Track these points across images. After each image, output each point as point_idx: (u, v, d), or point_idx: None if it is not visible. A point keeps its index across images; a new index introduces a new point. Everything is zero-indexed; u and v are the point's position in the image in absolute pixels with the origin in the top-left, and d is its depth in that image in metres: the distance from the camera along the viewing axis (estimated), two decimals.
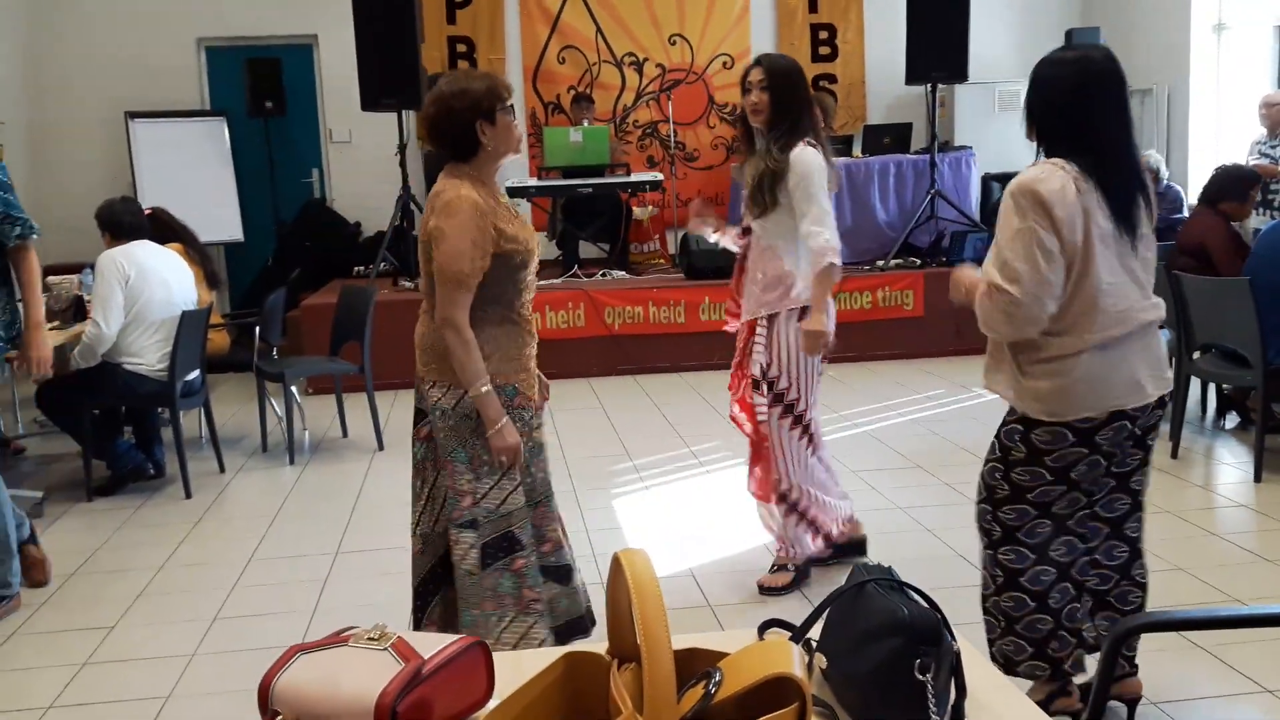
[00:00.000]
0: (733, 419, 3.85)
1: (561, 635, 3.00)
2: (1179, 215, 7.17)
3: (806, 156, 3.46)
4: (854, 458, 5.25)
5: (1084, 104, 2.47)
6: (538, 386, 2.98)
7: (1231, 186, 5.44)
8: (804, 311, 3.54)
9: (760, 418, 3.63)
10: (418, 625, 3.01)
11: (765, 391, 3.60)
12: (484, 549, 2.84)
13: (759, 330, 3.61)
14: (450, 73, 2.90)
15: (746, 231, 3.66)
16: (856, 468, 5.10)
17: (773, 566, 3.82)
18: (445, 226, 2.72)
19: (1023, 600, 2.60)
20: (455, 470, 2.85)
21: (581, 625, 3.06)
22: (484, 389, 2.76)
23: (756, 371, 3.61)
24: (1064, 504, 2.56)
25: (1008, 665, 2.61)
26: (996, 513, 2.61)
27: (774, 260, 3.57)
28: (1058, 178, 2.40)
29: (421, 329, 2.92)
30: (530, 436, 2.91)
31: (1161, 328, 2.59)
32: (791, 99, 3.53)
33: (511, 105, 2.86)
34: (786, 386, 3.58)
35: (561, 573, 3.00)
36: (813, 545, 3.75)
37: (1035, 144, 2.56)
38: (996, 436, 2.63)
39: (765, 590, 3.74)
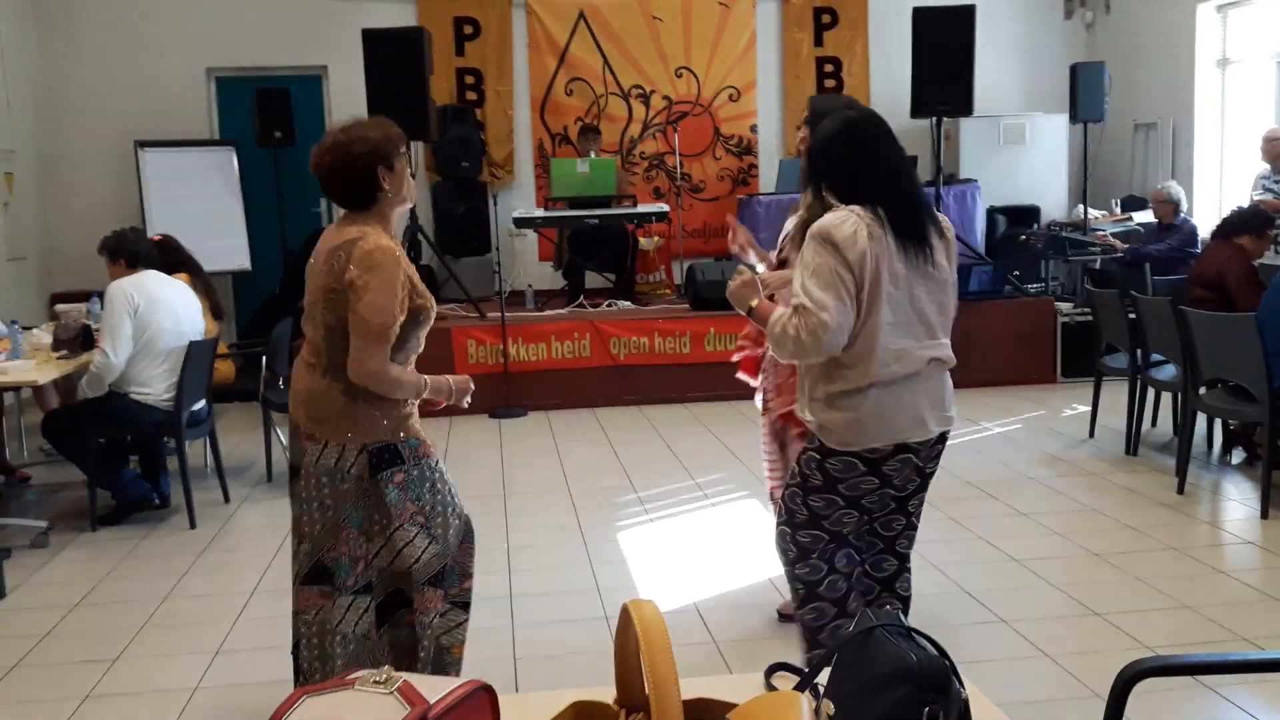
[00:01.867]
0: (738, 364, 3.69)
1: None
2: (1193, 249, 7.20)
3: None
4: None
5: (852, 162, 2.68)
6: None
7: (1249, 222, 5.56)
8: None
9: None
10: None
11: (800, 432, 3.48)
12: (379, 610, 2.81)
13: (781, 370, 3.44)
14: (346, 121, 2.85)
15: (783, 263, 3.57)
16: None
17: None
18: (371, 279, 2.62)
19: (823, 610, 2.80)
20: (350, 536, 2.78)
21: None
22: (428, 383, 2.79)
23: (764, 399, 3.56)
24: (851, 524, 2.75)
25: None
26: (795, 535, 2.79)
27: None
28: (850, 224, 2.57)
29: (307, 383, 2.78)
30: (443, 481, 2.84)
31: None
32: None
33: (407, 153, 2.80)
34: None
35: (466, 607, 2.98)
36: None
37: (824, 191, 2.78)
38: (797, 462, 2.80)
39: (784, 617, 3.69)
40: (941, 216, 2.79)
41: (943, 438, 2.77)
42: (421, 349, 2.86)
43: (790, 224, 3.58)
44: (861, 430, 2.64)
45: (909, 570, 2.91)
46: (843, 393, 2.64)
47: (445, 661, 2.90)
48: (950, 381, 2.80)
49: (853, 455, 2.66)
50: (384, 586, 2.83)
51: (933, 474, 2.82)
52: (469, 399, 2.92)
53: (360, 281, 2.63)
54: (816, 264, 2.58)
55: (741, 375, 3.69)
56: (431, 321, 2.84)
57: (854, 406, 2.64)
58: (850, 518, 2.75)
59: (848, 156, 2.70)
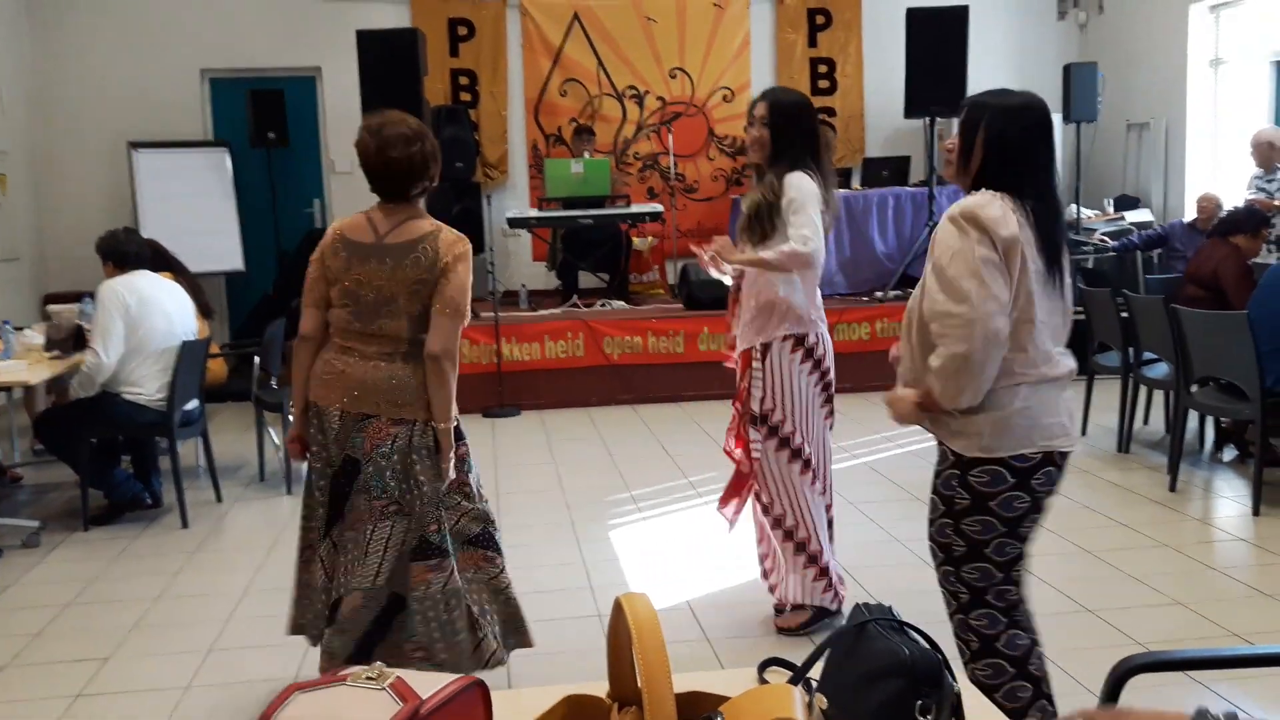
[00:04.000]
0: (726, 453, 3.74)
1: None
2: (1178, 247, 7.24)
3: (798, 179, 3.42)
4: (852, 489, 5.25)
5: (1034, 149, 2.45)
6: None
7: (1246, 221, 5.59)
8: (798, 341, 3.49)
9: (755, 453, 3.56)
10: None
11: (760, 427, 3.53)
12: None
13: (754, 363, 3.54)
14: (384, 114, 2.95)
15: None
16: (855, 499, 5.09)
17: (781, 607, 3.72)
18: (460, 265, 2.90)
19: (1001, 669, 2.50)
20: (410, 504, 2.95)
21: None
22: (455, 421, 2.97)
23: (755, 407, 3.55)
24: (1019, 568, 2.50)
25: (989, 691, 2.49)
26: (959, 573, 2.48)
27: (767, 287, 3.49)
28: (998, 205, 2.35)
29: (386, 372, 2.89)
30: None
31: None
32: (794, 135, 3.49)
33: None
34: (782, 419, 3.52)
35: None
36: (821, 596, 3.64)
37: (956, 182, 2.55)
38: (934, 491, 2.51)
39: (783, 632, 3.66)
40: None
41: (1068, 456, 2.49)
42: None
43: (744, 205, 3.61)
44: (1008, 432, 2.35)
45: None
46: (988, 392, 2.35)
47: (521, 618, 3.13)
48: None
49: (997, 463, 2.37)
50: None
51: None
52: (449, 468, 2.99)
53: (452, 267, 2.88)
54: (957, 249, 2.32)
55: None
56: None
57: (999, 405, 2.35)
58: (1014, 549, 2.44)
59: (1033, 146, 2.44)
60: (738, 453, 3.66)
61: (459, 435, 3.02)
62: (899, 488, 5.33)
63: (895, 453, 6.01)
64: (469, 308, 2.93)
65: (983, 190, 2.40)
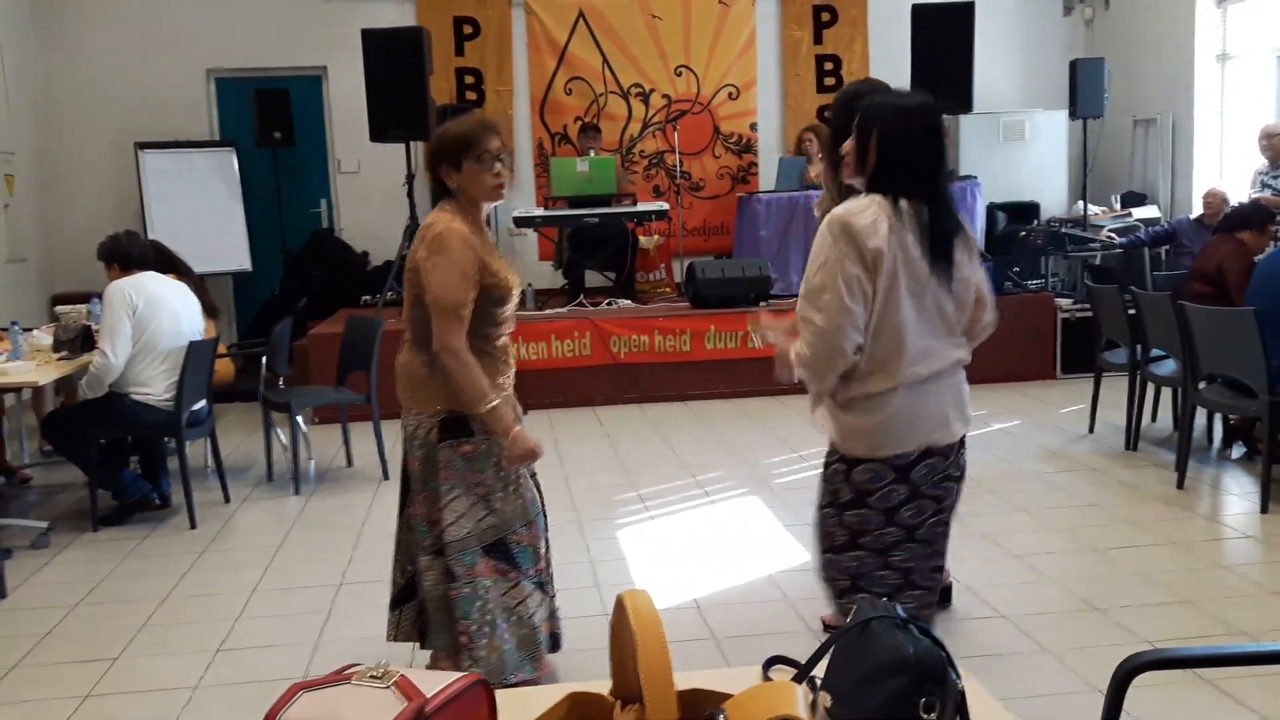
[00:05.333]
0: None
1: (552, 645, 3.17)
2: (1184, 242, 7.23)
3: (839, 210, 3.42)
4: None
5: (927, 149, 2.54)
6: (516, 418, 3.07)
7: (1251, 217, 5.57)
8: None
9: None
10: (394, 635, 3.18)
11: None
12: (446, 573, 2.98)
13: None
14: (462, 113, 3.07)
15: None
16: None
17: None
18: (437, 259, 2.85)
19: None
20: (426, 498, 2.99)
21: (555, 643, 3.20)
22: (493, 403, 2.88)
23: None
24: (902, 553, 2.58)
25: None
26: (840, 560, 2.62)
27: None
28: (870, 213, 2.46)
29: (401, 358, 3.06)
30: (504, 465, 3.01)
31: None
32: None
33: (488, 155, 2.91)
34: None
35: (545, 589, 3.14)
36: None
37: (854, 181, 2.63)
38: (823, 478, 2.65)
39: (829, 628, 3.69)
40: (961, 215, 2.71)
41: (963, 442, 2.67)
42: (506, 328, 3.05)
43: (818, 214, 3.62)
44: (887, 434, 2.51)
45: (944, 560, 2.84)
46: (865, 396, 2.50)
47: (539, 638, 3.05)
48: (966, 382, 2.71)
49: (880, 462, 2.52)
50: (458, 550, 3.01)
51: (962, 476, 2.72)
52: (519, 467, 2.98)
53: (429, 263, 2.86)
54: (824, 258, 2.47)
55: None
56: (510, 305, 3.02)
57: (878, 409, 2.51)
58: (891, 536, 2.58)
59: (926, 146, 2.55)
60: None
61: (465, 431, 2.94)
62: None
63: None
64: (461, 299, 2.84)
65: (862, 195, 2.53)
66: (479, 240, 2.93)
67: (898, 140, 2.53)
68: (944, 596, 3.81)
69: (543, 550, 3.12)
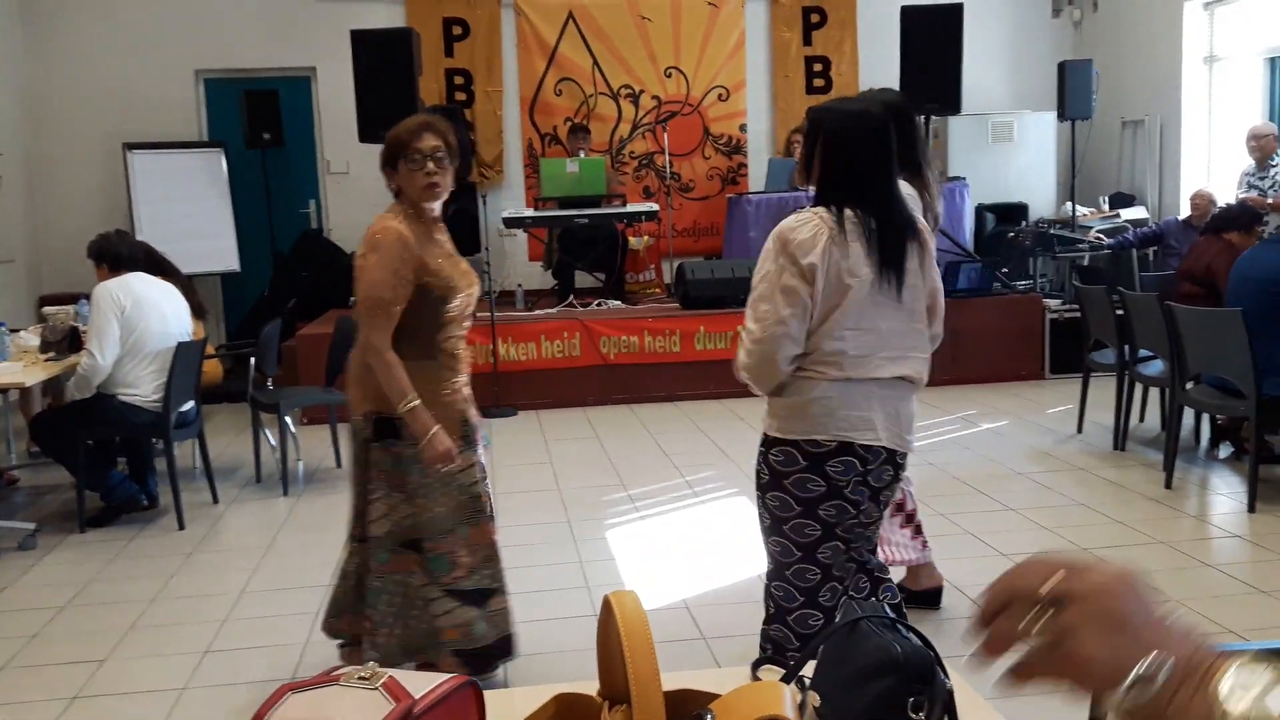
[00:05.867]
0: None
1: (477, 659, 3.05)
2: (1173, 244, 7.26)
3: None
4: None
5: (870, 155, 2.53)
6: (461, 421, 3.06)
7: (1239, 218, 5.60)
8: None
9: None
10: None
11: None
12: (364, 564, 3.06)
13: None
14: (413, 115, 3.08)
15: None
16: None
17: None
18: (370, 256, 2.89)
19: (788, 636, 2.67)
20: (354, 491, 3.08)
21: (504, 648, 3.15)
22: (411, 405, 2.89)
23: None
24: (827, 551, 2.60)
25: (776, 650, 2.68)
26: (766, 542, 2.68)
27: None
28: (809, 227, 2.48)
29: (352, 355, 3.09)
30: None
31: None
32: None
33: (419, 155, 2.93)
34: None
35: (474, 596, 3.06)
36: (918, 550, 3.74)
37: (805, 188, 2.66)
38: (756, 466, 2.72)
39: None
40: (920, 221, 2.67)
41: (893, 461, 2.61)
42: (453, 331, 3.05)
43: None
44: (803, 417, 2.53)
45: (890, 579, 2.81)
46: (791, 378, 2.55)
47: (441, 642, 3.03)
48: (913, 406, 2.65)
49: (791, 445, 2.55)
50: (372, 548, 3.07)
51: (887, 501, 2.68)
52: (438, 467, 2.95)
53: (362, 261, 2.91)
54: (766, 270, 2.52)
55: None
56: (454, 304, 3.01)
57: (799, 391, 2.54)
58: (813, 530, 2.57)
59: (861, 154, 2.54)
60: None
61: (394, 433, 2.94)
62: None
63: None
64: (386, 296, 2.86)
65: (806, 209, 2.55)
66: (421, 240, 2.94)
67: (840, 146, 2.55)
68: (934, 597, 3.83)
69: (464, 559, 3.04)
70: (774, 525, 2.64)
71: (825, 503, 2.56)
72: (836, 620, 2.48)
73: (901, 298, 2.53)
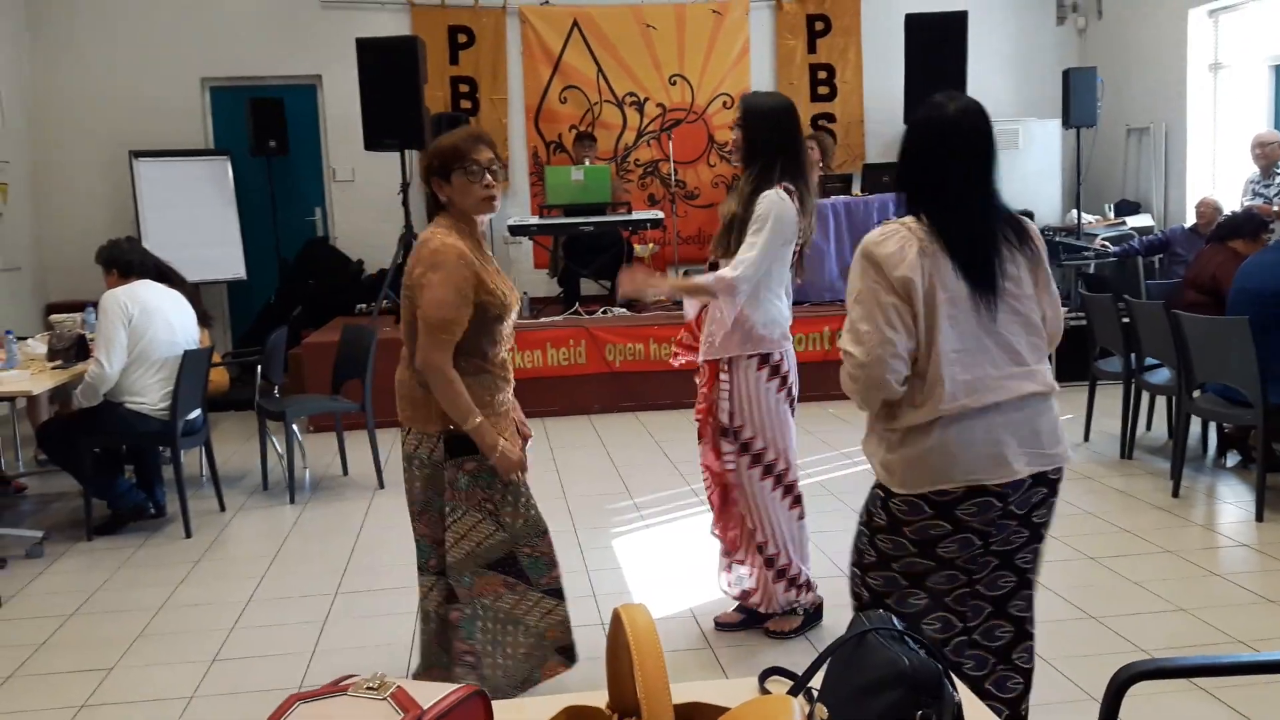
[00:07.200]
0: (705, 467, 3.72)
1: (569, 652, 3.10)
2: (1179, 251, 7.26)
3: (771, 200, 3.36)
4: (858, 497, 5.23)
5: (932, 160, 2.35)
6: (515, 429, 3.06)
7: (1244, 225, 5.59)
8: (763, 359, 3.46)
9: (729, 466, 3.56)
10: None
11: (733, 440, 3.53)
12: (448, 595, 2.98)
13: (721, 376, 3.52)
14: (454, 123, 3.04)
15: (713, 267, 3.56)
16: (858, 506, 5.08)
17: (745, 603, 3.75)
18: (432, 275, 2.81)
19: None
20: (431, 519, 2.97)
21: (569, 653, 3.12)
22: (476, 421, 2.85)
23: (724, 420, 3.53)
24: (940, 579, 2.38)
25: None
26: (865, 578, 2.45)
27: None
28: (896, 239, 2.29)
29: (400, 374, 3.01)
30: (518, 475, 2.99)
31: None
32: (766, 139, 3.42)
33: (477, 167, 2.87)
34: (752, 436, 3.51)
35: (559, 595, 3.09)
36: (798, 600, 3.66)
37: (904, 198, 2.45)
38: (867, 501, 2.48)
39: (773, 635, 3.69)
40: (1027, 223, 2.44)
41: (1044, 479, 2.37)
42: (505, 344, 3.01)
43: (721, 214, 3.58)
44: (921, 470, 2.30)
45: (1031, 639, 2.48)
46: (905, 430, 2.32)
47: (545, 645, 3.03)
48: (1054, 413, 2.41)
49: (917, 497, 2.32)
50: (458, 573, 2.98)
51: (1043, 524, 2.42)
52: (512, 476, 2.93)
53: (423, 280, 2.83)
54: (858, 290, 2.31)
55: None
56: (508, 321, 2.99)
57: (913, 443, 2.31)
58: (926, 565, 2.36)
59: (931, 156, 2.35)
60: (717, 465, 3.63)
61: (468, 449, 2.89)
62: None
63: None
64: (452, 316, 2.81)
65: (890, 221, 2.36)
66: (476, 256, 2.88)
67: (903, 150, 2.40)
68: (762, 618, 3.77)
69: (555, 559, 3.07)
70: (879, 563, 2.41)
71: (946, 540, 2.34)
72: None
73: (997, 311, 2.31)
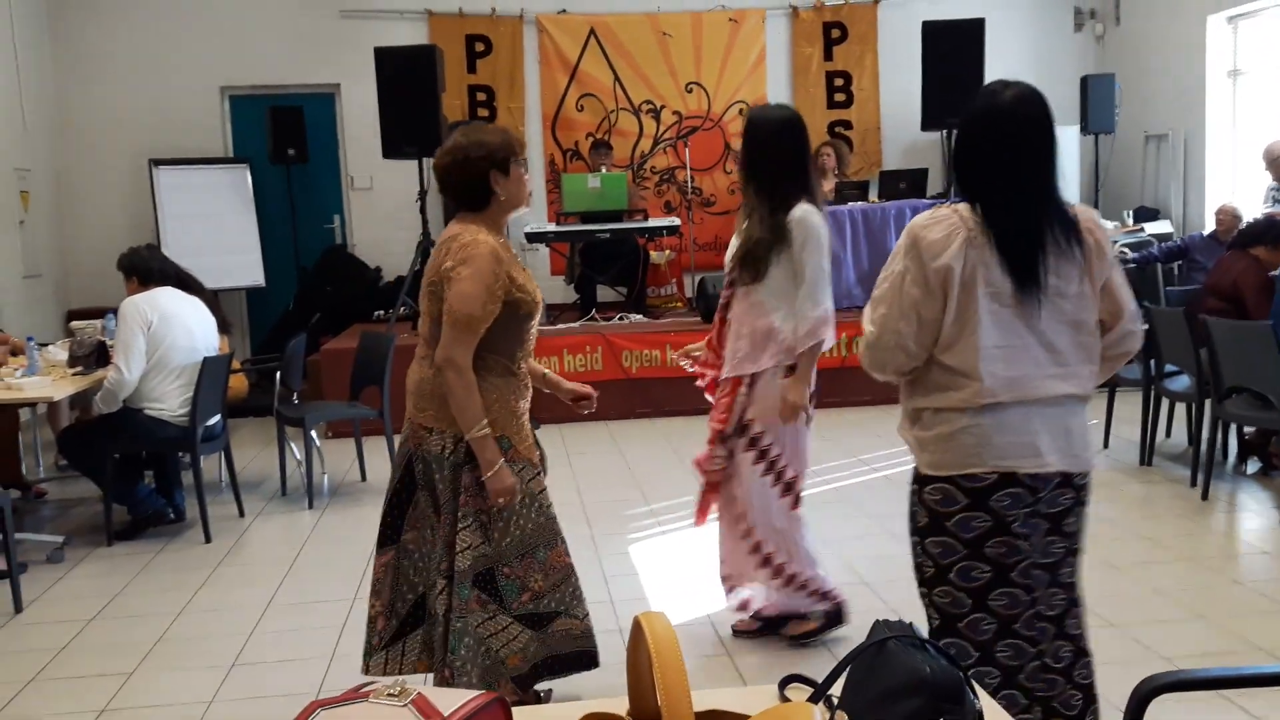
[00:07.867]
0: (695, 464, 3.72)
1: (526, 679, 2.98)
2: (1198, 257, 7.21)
3: (810, 219, 3.36)
4: (873, 504, 5.22)
5: (983, 148, 2.28)
6: (534, 440, 3.00)
7: (1266, 233, 5.55)
8: (790, 370, 3.43)
9: (715, 465, 3.57)
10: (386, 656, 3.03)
11: (748, 444, 3.49)
12: (446, 610, 2.88)
13: (742, 389, 3.49)
14: (467, 125, 2.97)
15: (730, 284, 3.56)
16: (875, 513, 5.07)
17: (753, 615, 3.74)
18: (462, 269, 2.76)
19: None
20: (448, 521, 2.88)
21: (582, 660, 3.07)
22: (482, 432, 2.79)
23: (733, 422, 3.51)
24: (1001, 600, 2.31)
25: None
26: (931, 595, 2.37)
27: (762, 316, 3.45)
28: (944, 225, 2.22)
29: (418, 373, 2.95)
30: (521, 488, 2.90)
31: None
32: (765, 155, 3.41)
33: (525, 160, 2.91)
34: (770, 443, 3.49)
35: (536, 620, 2.98)
36: (809, 603, 3.63)
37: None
38: (907, 510, 2.42)
39: (792, 639, 3.67)
40: (1084, 213, 2.31)
41: (1070, 483, 2.32)
42: (528, 345, 3.00)
43: (732, 247, 3.55)
44: (956, 449, 2.25)
45: (1089, 655, 2.45)
46: (934, 410, 2.28)
47: (503, 671, 2.93)
48: (1084, 417, 2.36)
49: (948, 482, 2.27)
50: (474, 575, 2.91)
51: (1077, 533, 2.39)
52: (500, 500, 2.83)
53: (454, 273, 2.76)
54: (891, 270, 2.28)
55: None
56: (535, 320, 2.98)
57: (949, 421, 2.26)
58: (982, 573, 2.27)
59: (978, 146, 2.28)
60: (707, 465, 3.64)
61: (471, 460, 2.84)
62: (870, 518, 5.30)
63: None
64: (478, 313, 2.75)
65: (943, 205, 2.29)
66: (507, 254, 2.85)
67: (957, 138, 2.34)
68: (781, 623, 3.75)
69: (536, 583, 2.95)
70: (938, 574, 2.34)
71: (992, 539, 2.27)
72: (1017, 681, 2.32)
73: (1041, 310, 2.23)
